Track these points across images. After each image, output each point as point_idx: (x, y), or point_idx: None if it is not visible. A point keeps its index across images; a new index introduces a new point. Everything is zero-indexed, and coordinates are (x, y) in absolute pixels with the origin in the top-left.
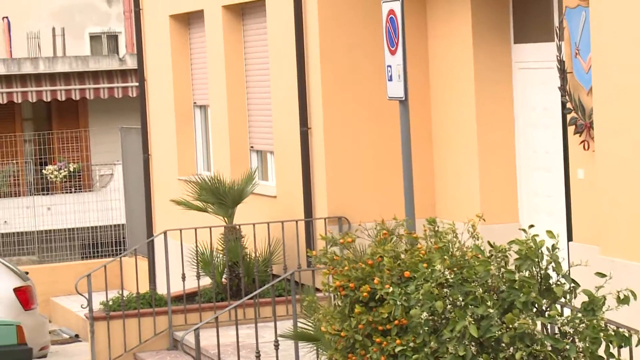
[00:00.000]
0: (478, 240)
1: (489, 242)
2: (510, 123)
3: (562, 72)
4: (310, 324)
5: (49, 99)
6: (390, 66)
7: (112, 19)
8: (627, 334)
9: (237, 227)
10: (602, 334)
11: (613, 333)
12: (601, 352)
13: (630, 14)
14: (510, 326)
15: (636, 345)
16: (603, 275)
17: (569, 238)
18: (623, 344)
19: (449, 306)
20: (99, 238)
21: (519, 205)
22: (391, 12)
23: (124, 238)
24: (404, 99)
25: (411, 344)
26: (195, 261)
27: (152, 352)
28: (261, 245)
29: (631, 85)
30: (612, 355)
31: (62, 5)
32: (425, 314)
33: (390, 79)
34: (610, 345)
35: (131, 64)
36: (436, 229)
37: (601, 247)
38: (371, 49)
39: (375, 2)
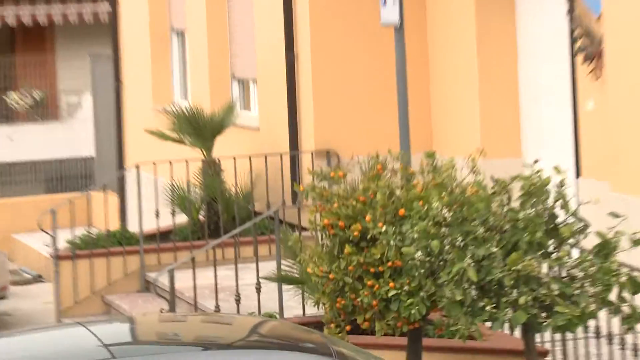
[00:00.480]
0: (479, 176)
1: (491, 178)
2: (514, 50)
3: None
4: (295, 265)
5: (13, 23)
6: None
7: None
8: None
9: (216, 160)
10: (614, 279)
11: (626, 277)
12: (613, 297)
13: None
14: (514, 268)
15: None
16: (617, 216)
17: (577, 174)
18: (635, 291)
19: (447, 247)
20: (65, 171)
21: (522, 139)
22: None
23: (92, 171)
24: (399, 25)
25: (405, 288)
26: (170, 197)
27: (121, 294)
28: (242, 180)
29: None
30: (624, 301)
31: None
32: (420, 253)
33: (385, 4)
34: (624, 290)
35: None
36: (434, 163)
37: (612, 183)
38: None
39: None
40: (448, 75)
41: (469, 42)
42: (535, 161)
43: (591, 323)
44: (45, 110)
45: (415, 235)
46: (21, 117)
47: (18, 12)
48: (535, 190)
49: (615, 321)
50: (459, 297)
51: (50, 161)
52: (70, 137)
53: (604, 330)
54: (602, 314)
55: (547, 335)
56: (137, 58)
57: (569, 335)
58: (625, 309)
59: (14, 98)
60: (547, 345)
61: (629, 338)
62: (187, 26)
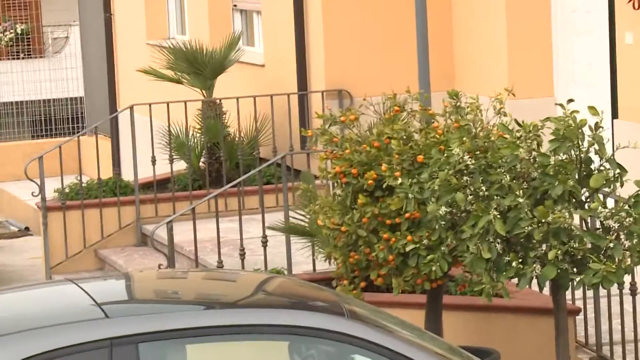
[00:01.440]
0: (506, 117)
1: (515, 121)
2: None
3: None
4: (305, 216)
5: None
6: None
7: None
8: None
9: (218, 101)
10: None
11: None
12: None
13: None
14: (543, 220)
15: None
16: None
17: (614, 115)
18: None
19: (469, 197)
20: (52, 113)
21: (554, 76)
22: None
23: (82, 114)
24: None
25: (425, 242)
26: (168, 142)
27: (116, 249)
28: (246, 124)
29: None
30: None
31: None
32: (444, 209)
33: None
34: None
35: None
36: (458, 103)
37: None
38: None
39: None
40: (472, 3)
41: None
42: (570, 101)
43: (626, 279)
44: (28, 45)
45: (436, 187)
46: (2, 54)
47: None
48: (568, 133)
49: None
50: (487, 255)
51: (35, 102)
52: (56, 76)
53: None
54: (639, 269)
55: (578, 292)
56: None
57: (602, 292)
58: None
59: None
60: (579, 303)
61: None
62: None
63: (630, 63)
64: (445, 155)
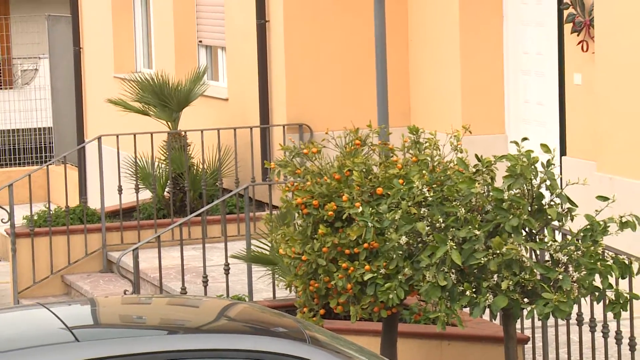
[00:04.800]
0: (462, 153)
1: (475, 156)
2: (499, 19)
3: None
4: (266, 245)
5: None
6: None
7: None
8: (627, 262)
9: (183, 133)
10: (599, 263)
11: (612, 261)
12: (597, 283)
13: None
14: (497, 252)
15: (636, 274)
16: (605, 199)
17: (562, 152)
18: (623, 275)
19: (427, 228)
20: (21, 143)
21: (505, 114)
22: None
23: (50, 144)
24: None
25: (382, 271)
26: (134, 172)
27: (82, 274)
28: (210, 155)
29: None
30: (611, 286)
31: None
32: (405, 239)
33: None
34: (610, 275)
35: None
36: (418, 139)
37: (598, 163)
38: None
39: None
40: (428, 45)
41: (451, 8)
42: (524, 139)
43: (573, 309)
44: None
45: (397, 217)
46: None
47: None
48: (522, 170)
49: (598, 307)
50: (442, 282)
51: (3, 131)
52: (25, 106)
53: (586, 317)
54: (585, 300)
55: (527, 322)
56: (98, 21)
57: (550, 322)
58: (610, 294)
59: None
60: (527, 332)
61: (612, 325)
62: None
63: (579, 103)
64: (406, 187)
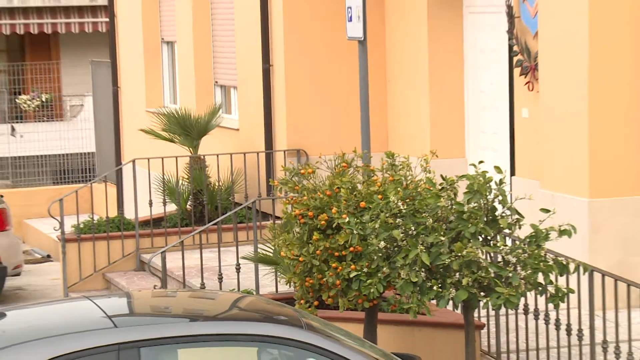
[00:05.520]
0: (430, 174)
1: (441, 176)
2: (460, 64)
3: (510, 16)
4: (270, 249)
5: (22, 32)
6: (350, 7)
7: None
8: (565, 263)
9: (202, 157)
10: (542, 264)
11: (552, 262)
12: (540, 279)
13: None
14: (459, 254)
15: (572, 273)
16: (547, 210)
17: (512, 173)
18: (561, 273)
19: (401, 235)
20: (69, 165)
21: (466, 142)
22: None
23: (93, 165)
24: (362, 39)
25: (365, 270)
26: (162, 188)
27: (120, 273)
28: (224, 175)
29: (575, 30)
30: (551, 282)
31: None
32: (383, 244)
33: (350, 20)
34: (551, 274)
35: (101, 1)
36: (394, 162)
37: (541, 182)
38: None
39: None
40: (403, 85)
41: (422, 56)
42: (480, 162)
43: (521, 301)
44: (51, 110)
45: (377, 226)
46: (30, 117)
47: (27, 23)
48: (479, 187)
49: (542, 300)
50: (414, 279)
51: (56, 156)
52: (73, 135)
53: (531, 307)
54: (530, 294)
55: (483, 311)
56: (132, 65)
57: (501, 311)
58: (551, 289)
59: (24, 100)
60: (483, 320)
61: (552, 314)
62: (176, 37)
63: (526, 132)
64: (384, 201)
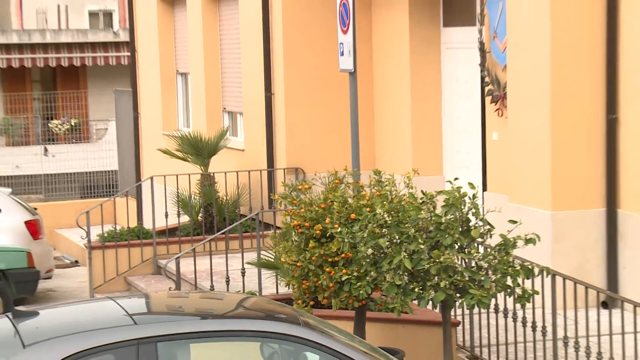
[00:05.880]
0: (412, 189)
1: (422, 191)
2: (438, 94)
3: (482, 51)
4: (271, 255)
5: (54, 65)
6: (342, 43)
7: None
8: (530, 267)
9: (212, 174)
10: (510, 268)
11: (519, 267)
12: (509, 282)
13: (540, 6)
14: (437, 260)
15: (537, 276)
16: (514, 222)
17: (484, 188)
18: (527, 276)
19: (387, 243)
20: (95, 181)
21: (443, 161)
22: None
23: (116, 182)
24: (353, 71)
25: (355, 274)
26: (176, 202)
27: (139, 276)
28: (231, 190)
29: (539, 64)
30: (519, 285)
31: None
32: (371, 251)
33: (342, 54)
34: (518, 277)
35: (123, 37)
36: (380, 179)
37: (509, 196)
38: (326, 29)
39: None
40: (388, 112)
41: (404, 86)
42: (456, 179)
43: (492, 301)
44: (79, 133)
45: (365, 235)
46: (61, 139)
47: (58, 57)
48: (454, 201)
49: (510, 300)
50: (398, 282)
51: (83, 173)
52: (98, 155)
53: (501, 307)
54: (500, 295)
55: (459, 310)
56: (151, 93)
57: (475, 310)
58: (518, 291)
59: (55, 124)
60: (459, 318)
61: (519, 313)
62: (189, 69)
63: (496, 153)
64: (371, 213)
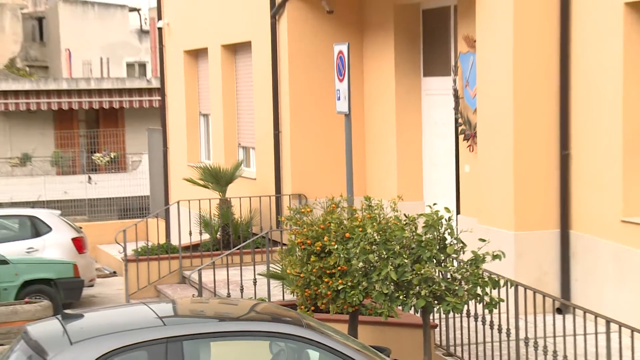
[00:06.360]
0: (397, 212)
1: (404, 214)
2: (419, 132)
3: (456, 97)
4: (278, 267)
5: (97, 107)
6: (339, 90)
7: (142, 52)
8: (497, 279)
9: (228, 199)
10: (480, 280)
11: (487, 279)
12: (479, 292)
13: (504, 61)
14: (418, 272)
15: (502, 286)
16: (483, 240)
17: (458, 212)
18: (494, 286)
19: (376, 258)
20: (130, 205)
21: (423, 189)
22: (340, 52)
23: (148, 205)
24: (347, 113)
25: (349, 283)
26: (199, 222)
27: (167, 285)
28: (245, 213)
29: (503, 109)
30: (487, 294)
31: (108, 42)
32: (362, 264)
33: (339, 99)
34: (486, 287)
35: (155, 84)
36: (370, 204)
37: (479, 219)
38: (325, 77)
39: (329, 45)
40: (377, 147)
41: (391, 126)
42: (434, 204)
43: (464, 307)
44: (117, 165)
45: (358, 251)
46: (102, 169)
47: (101, 100)
48: (433, 222)
49: (480, 306)
50: (385, 291)
51: (120, 198)
52: (133, 183)
53: (472, 312)
54: (471, 302)
55: (437, 315)
56: (177, 131)
57: (450, 315)
58: (486, 299)
59: (97, 157)
60: (437, 321)
61: (487, 317)
62: (210, 111)
63: (467, 182)
64: (363, 233)
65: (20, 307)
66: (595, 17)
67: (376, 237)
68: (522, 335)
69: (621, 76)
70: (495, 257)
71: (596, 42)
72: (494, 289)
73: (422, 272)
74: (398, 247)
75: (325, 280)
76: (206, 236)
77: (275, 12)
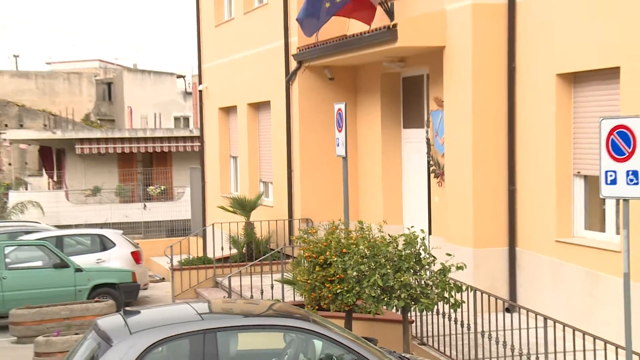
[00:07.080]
0: (383, 233)
1: (388, 234)
2: (400, 171)
3: (428, 144)
4: (290, 275)
5: (151, 151)
6: (338, 138)
7: (186, 109)
8: (460, 285)
9: (252, 222)
10: (447, 286)
11: (453, 285)
12: (446, 295)
13: (465, 117)
14: (399, 280)
15: (464, 291)
16: (449, 255)
17: (430, 233)
18: (458, 291)
19: (366, 268)
20: (176, 226)
21: (403, 215)
22: (339, 109)
23: (189, 226)
24: (345, 156)
25: (345, 288)
26: (229, 240)
27: (204, 288)
28: (264, 233)
29: (464, 154)
30: (452, 296)
31: (160, 101)
32: (355, 273)
33: (338, 145)
34: (452, 291)
35: (196, 133)
36: (362, 226)
37: (446, 238)
38: (327, 128)
39: (330, 104)
40: (368, 182)
41: (378, 166)
42: (412, 226)
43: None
44: (166, 195)
45: (352, 262)
46: (154, 198)
47: (154, 145)
48: (410, 241)
49: (447, 306)
50: (373, 294)
51: (168, 221)
52: (178, 209)
53: (441, 311)
54: (441, 303)
55: (414, 313)
56: (213, 169)
57: (424, 313)
58: (452, 300)
59: (151, 189)
60: (414, 318)
61: (453, 315)
62: (238, 154)
63: (437, 210)
64: (356, 249)
65: (92, 305)
66: (535, 84)
67: (366, 252)
68: (479, 329)
69: (554, 129)
70: (458, 268)
71: (535, 103)
72: (458, 292)
73: (402, 279)
74: (383, 260)
75: (327, 285)
76: (234, 251)
77: (289, 78)
